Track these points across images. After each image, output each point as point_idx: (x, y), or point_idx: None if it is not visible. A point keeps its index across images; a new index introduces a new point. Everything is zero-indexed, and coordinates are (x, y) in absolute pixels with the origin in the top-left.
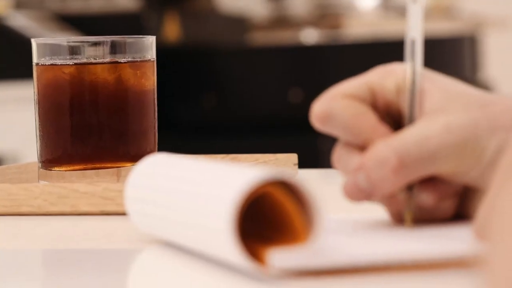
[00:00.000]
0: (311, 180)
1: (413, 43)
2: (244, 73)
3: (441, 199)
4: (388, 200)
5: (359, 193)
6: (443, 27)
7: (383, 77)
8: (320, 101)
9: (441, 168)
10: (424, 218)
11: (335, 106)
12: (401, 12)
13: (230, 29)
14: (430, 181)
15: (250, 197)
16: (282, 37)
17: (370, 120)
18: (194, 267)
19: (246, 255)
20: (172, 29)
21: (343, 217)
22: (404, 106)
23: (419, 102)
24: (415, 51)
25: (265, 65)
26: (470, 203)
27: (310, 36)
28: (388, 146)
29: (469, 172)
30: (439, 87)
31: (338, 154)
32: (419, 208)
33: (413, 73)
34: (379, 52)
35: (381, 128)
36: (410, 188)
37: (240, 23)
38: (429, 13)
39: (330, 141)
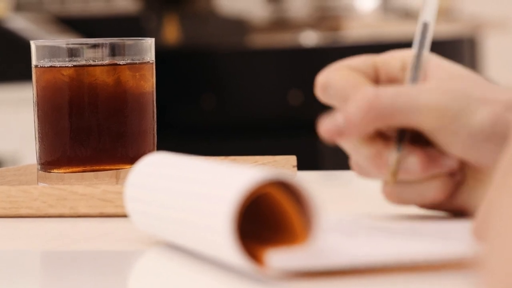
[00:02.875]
0: (310, 182)
1: (425, 26)
2: (243, 75)
3: (429, 168)
4: (375, 161)
5: (333, 129)
6: (443, 29)
7: (390, 56)
8: (323, 72)
9: (421, 119)
10: (413, 198)
11: (334, 76)
12: (401, 14)
13: (230, 31)
14: (421, 149)
15: (250, 198)
16: (282, 39)
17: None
18: (194, 269)
19: (245, 255)
20: (172, 31)
21: (341, 217)
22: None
23: (422, 78)
24: (426, 35)
25: (264, 67)
26: (463, 196)
27: (309, 38)
28: (371, 88)
29: (452, 135)
30: (445, 67)
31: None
32: (411, 184)
33: (419, 54)
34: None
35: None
36: (398, 143)
37: (239, 25)
38: None
39: (329, 143)
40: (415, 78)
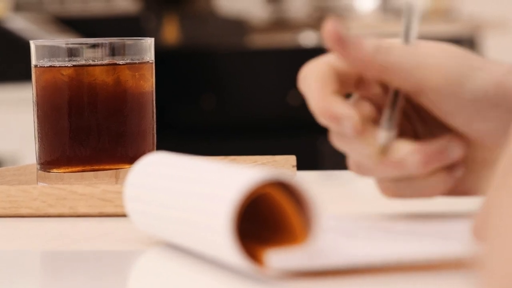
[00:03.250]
0: (310, 182)
1: (410, 7)
2: (243, 75)
3: (429, 164)
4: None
5: (338, 35)
6: (442, 29)
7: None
8: (308, 64)
9: (426, 78)
10: (410, 194)
11: (310, 70)
12: (400, 14)
13: (229, 31)
14: (421, 146)
15: (249, 198)
16: (281, 39)
17: (324, 88)
18: (193, 269)
19: (244, 255)
20: (171, 31)
21: (341, 217)
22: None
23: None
24: (412, 16)
25: (264, 67)
26: (467, 184)
27: (309, 38)
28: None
29: (456, 101)
30: (439, 44)
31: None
32: (409, 180)
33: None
34: None
35: (331, 99)
36: (389, 119)
37: (239, 25)
38: (428, 16)
39: (329, 143)
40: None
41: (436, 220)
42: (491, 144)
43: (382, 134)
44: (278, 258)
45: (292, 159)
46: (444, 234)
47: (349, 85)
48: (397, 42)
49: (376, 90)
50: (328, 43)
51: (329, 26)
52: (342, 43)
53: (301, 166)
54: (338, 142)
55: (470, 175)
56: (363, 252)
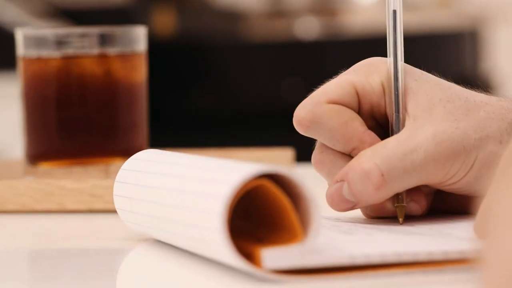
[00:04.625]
0: (307, 175)
1: (394, 14)
2: (238, 67)
3: (428, 205)
4: (372, 206)
5: (343, 203)
6: (444, 21)
7: (367, 75)
8: (304, 106)
9: (427, 180)
10: (394, 212)
11: (320, 113)
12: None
13: (225, 22)
14: (419, 190)
15: (240, 193)
16: (279, 30)
17: (358, 128)
18: (184, 266)
19: (236, 253)
20: (166, 22)
21: (337, 215)
22: (389, 108)
23: (403, 103)
24: (397, 22)
25: (260, 59)
26: (447, 198)
27: (307, 29)
28: (372, 159)
29: (456, 183)
30: (424, 88)
31: (321, 157)
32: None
33: (396, 69)
34: (379, 47)
35: (369, 136)
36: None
37: (235, 16)
38: (430, 6)
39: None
40: (398, 111)
41: (436, 217)
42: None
43: (398, 209)
44: (273, 255)
45: (289, 151)
46: (444, 232)
47: (364, 111)
48: (392, 144)
49: (370, 124)
50: (339, 210)
51: (333, 200)
52: (352, 208)
53: (299, 159)
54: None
55: (452, 195)
56: (361, 249)
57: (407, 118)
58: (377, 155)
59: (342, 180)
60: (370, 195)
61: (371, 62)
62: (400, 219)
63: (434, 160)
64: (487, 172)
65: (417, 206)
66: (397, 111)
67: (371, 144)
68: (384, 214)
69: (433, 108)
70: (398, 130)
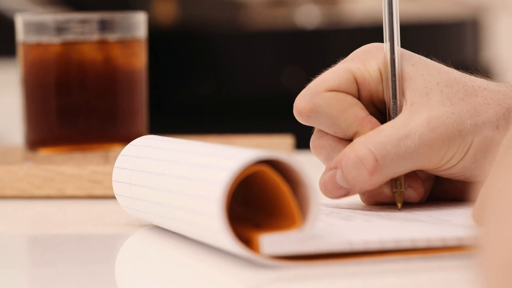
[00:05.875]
0: (306, 162)
1: (390, 4)
2: (240, 54)
3: (426, 192)
4: (370, 191)
5: (336, 190)
6: (446, 9)
7: (365, 62)
8: (303, 95)
9: (422, 165)
10: (392, 199)
11: (320, 102)
12: None
13: (226, 10)
14: (416, 177)
15: (239, 179)
16: (279, 18)
17: (358, 113)
18: (183, 252)
19: (235, 238)
20: (167, 10)
21: (336, 204)
22: (387, 93)
23: (400, 89)
24: (393, 7)
25: (261, 47)
26: (444, 185)
27: (308, 18)
28: (366, 145)
29: (451, 168)
30: (421, 72)
31: (320, 142)
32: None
33: (393, 53)
34: (379, 35)
35: (370, 121)
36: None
37: (236, 4)
38: None
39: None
40: (395, 96)
41: (435, 205)
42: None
43: (396, 193)
44: (271, 241)
45: (289, 138)
46: (444, 218)
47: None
48: (387, 130)
49: (370, 110)
50: (332, 197)
51: (326, 186)
52: (345, 195)
53: (297, 146)
54: (319, 150)
55: (449, 182)
56: (360, 236)
57: (404, 103)
58: (371, 141)
59: (335, 167)
60: (364, 180)
61: (369, 49)
62: (399, 205)
63: (429, 146)
64: (484, 157)
65: (414, 192)
66: (394, 97)
67: (372, 128)
68: (382, 200)
69: (430, 93)
70: (395, 116)
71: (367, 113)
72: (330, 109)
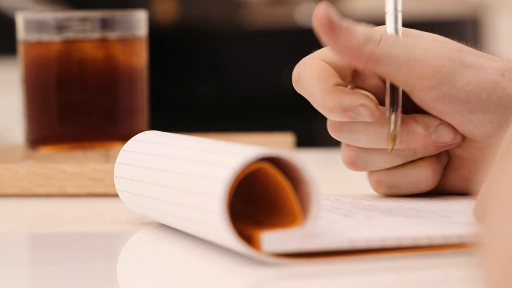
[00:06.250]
0: (307, 160)
1: None
2: (240, 53)
3: (457, 135)
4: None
5: (328, 20)
6: (446, 7)
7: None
8: (300, 62)
9: (415, 75)
10: (404, 188)
11: (305, 68)
12: None
13: (226, 8)
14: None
15: (241, 176)
16: (280, 17)
17: (326, 83)
18: (184, 249)
19: (236, 236)
20: (167, 9)
21: (338, 196)
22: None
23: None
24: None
25: (261, 45)
26: (452, 173)
27: (308, 16)
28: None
29: (448, 101)
30: (428, 35)
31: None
32: (401, 172)
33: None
34: None
35: (341, 90)
36: (394, 108)
37: (236, 2)
38: None
39: (324, 123)
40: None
41: (436, 201)
42: (483, 144)
43: (391, 120)
44: (273, 239)
45: (289, 136)
46: (445, 215)
47: (346, 79)
48: (390, 32)
49: (373, 82)
50: (317, 28)
51: (321, 10)
52: (333, 29)
53: (299, 144)
54: (340, 133)
55: (457, 172)
56: (361, 233)
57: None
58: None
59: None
60: (359, 35)
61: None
62: (389, 148)
63: (426, 51)
64: (488, 100)
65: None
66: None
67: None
68: (416, 144)
69: (438, 40)
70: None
71: (342, 83)
72: (311, 75)
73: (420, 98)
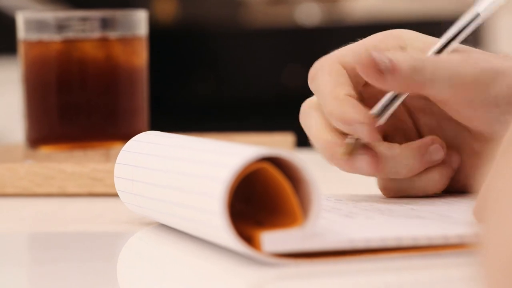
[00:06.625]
0: (307, 160)
1: (476, 17)
2: (240, 52)
3: (425, 162)
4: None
5: (375, 67)
6: (446, 7)
7: (385, 41)
8: (319, 60)
9: (453, 91)
10: (412, 193)
11: (323, 71)
12: None
13: (226, 8)
14: (410, 146)
15: (241, 176)
16: (280, 16)
17: (337, 90)
18: (184, 249)
19: (236, 236)
20: (167, 9)
21: (339, 197)
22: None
23: None
24: (471, 24)
25: (261, 45)
26: (462, 176)
27: (308, 16)
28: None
29: (474, 108)
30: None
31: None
32: (405, 180)
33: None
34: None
35: (350, 102)
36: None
37: (236, 2)
38: None
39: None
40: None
41: (437, 201)
42: (488, 137)
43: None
44: (273, 239)
45: (290, 136)
46: (445, 215)
47: (359, 83)
48: (424, 53)
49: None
50: (364, 75)
51: (364, 57)
52: (379, 72)
53: (298, 144)
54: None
55: (467, 168)
56: (361, 233)
57: None
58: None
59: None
60: (405, 67)
61: (388, 32)
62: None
63: (463, 70)
64: (504, 113)
65: (366, 161)
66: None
67: (350, 111)
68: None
69: (471, 50)
70: None
71: (353, 94)
72: (322, 79)
73: (451, 107)
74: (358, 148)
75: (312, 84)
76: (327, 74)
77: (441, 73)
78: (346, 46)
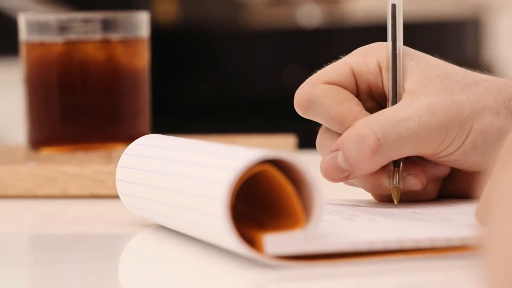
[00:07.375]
0: (309, 162)
1: (394, 7)
2: (241, 53)
3: (428, 182)
4: (369, 181)
5: (338, 172)
6: (447, 8)
7: (364, 57)
8: (302, 87)
9: (422, 149)
10: (409, 199)
11: (317, 93)
12: None
13: (227, 9)
14: (417, 165)
15: (243, 179)
16: (281, 18)
17: (352, 107)
18: (186, 251)
19: (239, 238)
20: (168, 10)
21: (341, 200)
22: (386, 85)
23: (401, 80)
24: (397, 17)
25: (262, 46)
26: (452, 184)
27: (309, 17)
28: (367, 125)
29: (451, 154)
30: (420, 66)
31: (321, 139)
32: (404, 192)
33: (395, 49)
34: (380, 34)
35: (364, 115)
36: (396, 163)
37: (237, 3)
38: None
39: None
40: (394, 88)
41: (439, 204)
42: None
43: (395, 179)
44: (275, 241)
45: (291, 138)
46: (447, 218)
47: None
48: (387, 113)
49: (369, 105)
50: (329, 179)
51: (327, 170)
52: (347, 178)
53: (300, 145)
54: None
55: (455, 183)
56: (363, 236)
57: (404, 94)
58: (372, 122)
59: (337, 150)
60: (366, 160)
61: (370, 46)
62: (395, 200)
63: (429, 129)
64: (485, 144)
65: (415, 179)
66: (395, 89)
67: None
68: (383, 192)
69: (429, 83)
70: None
71: (362, 108)
72: (325, 100)
73: (431, 158)
74: (400, 179)
75: (307, 112)
76: (322, 91)
77: (404, 143)
78: (328, 66)
